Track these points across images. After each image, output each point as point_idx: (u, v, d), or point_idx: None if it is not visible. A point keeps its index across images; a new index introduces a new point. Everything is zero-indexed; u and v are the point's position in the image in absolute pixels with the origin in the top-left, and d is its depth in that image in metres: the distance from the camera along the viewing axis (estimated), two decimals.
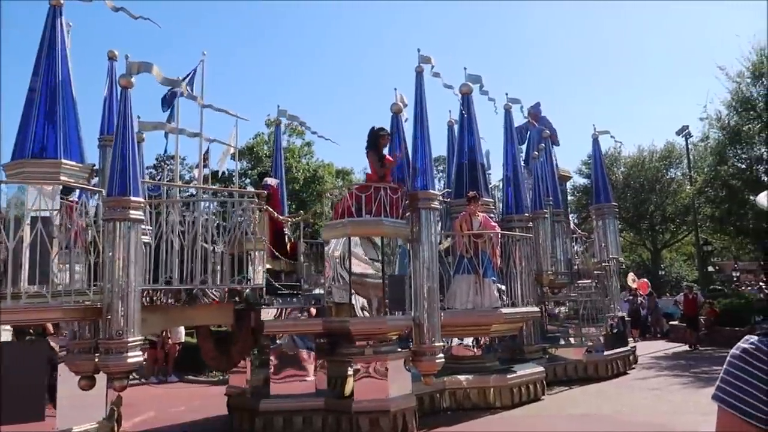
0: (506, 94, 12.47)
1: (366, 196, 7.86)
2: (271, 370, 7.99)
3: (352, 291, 7.71)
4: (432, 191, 8.39)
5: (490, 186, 11.75)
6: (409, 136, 11.47)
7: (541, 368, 10.41)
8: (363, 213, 7.81)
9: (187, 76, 13.56)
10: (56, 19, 7.60)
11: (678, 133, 26.27)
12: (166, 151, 20.37)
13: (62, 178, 7.13)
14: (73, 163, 7.28)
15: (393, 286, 7.83)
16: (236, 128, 15.92)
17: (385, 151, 8.61)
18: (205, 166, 18.63)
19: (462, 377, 9.53)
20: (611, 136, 15.40)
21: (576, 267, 14.06)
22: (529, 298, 10.56)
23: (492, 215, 10.72)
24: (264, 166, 20.32)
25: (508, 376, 9.60)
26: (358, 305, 7.78)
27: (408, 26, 70.17)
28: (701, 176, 20.61)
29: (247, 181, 25.53)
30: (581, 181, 32.17)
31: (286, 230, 10.25)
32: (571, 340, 12.92)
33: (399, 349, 7.96)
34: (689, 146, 25.26)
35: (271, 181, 10.32)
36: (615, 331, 13.44)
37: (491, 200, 10.95)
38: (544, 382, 10.31)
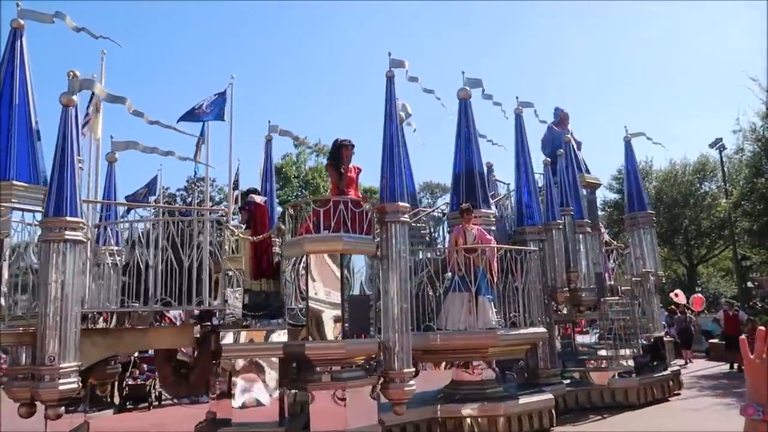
0: (516, 97, 11.71)
1: (324, 211, 7.38)
2: (233, 397, 7.59)
3: (315, 312, 7.23)
4: (401, 203, 7.80)
5: (496, 196, 11.04)
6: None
7: (550, 396, 9.47)
8: (321, 229, 7.33)
9: (216, 96, 13.76)
10: (16, 41, 7.64)
11: (711, 145, 25.00)
12: (196, 173, 20.74)
13: (13, 200, 7.11)
14: (26, 184, 7.23)
15: (354, 307, 7.29)
16: (264, 149, 15.89)
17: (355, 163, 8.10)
18: (235, 188, 18.87)
19: (457, 405, 8.79)
20: (647, 138, 14.15)
21: (609, 283, 13.00)
22: (537, 317, 9.74)
23: (492, 228, 9.97)
24: (292, 186, 20.23)
25: (505, 404, 8.75)
26: (325, 328, 7.30)
27: (428, 32, 68.78)
28: (737, 189, 19.54)
29: (276, 201, 25.65)
30: (611, 196, 31.90)
31: (276, 249, 9.91)
32: (603, 363, 11.82)
33: (364, 376, 7.35)
34: (724, 159, 24.04)
35: (258, 198, 10.01)
36: (652, 352, 12.21)
37: (492, 212, 10.18)
38: (553, 412, 9.36)
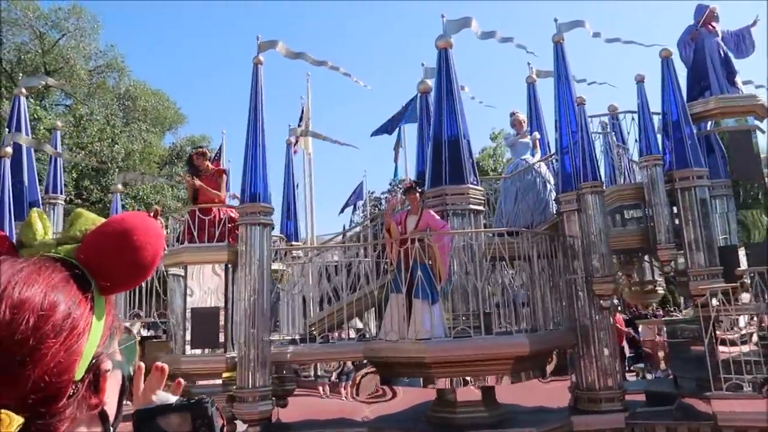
0: (555, 20, 9.23)
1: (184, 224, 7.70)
2: None
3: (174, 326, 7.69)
4: (260, 204, 7.42)
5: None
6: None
7: None
8: (175, 241, 7.68)
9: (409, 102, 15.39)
10: (18, 102, 9.99)
11: None
12: (396, 175, 22.25)
13: None
14: None
15: (200, 319, 7.41)
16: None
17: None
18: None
19: None
20: None
21: None
22: (526, 322, 7.90)
23: (479, 208, 8.40)
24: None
25: None
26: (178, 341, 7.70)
27: None
28: None
29: None
30: None
31: None
32: (746, 385, 8.43)
33: (219, 392, 7.40)
34: None
35: None
36: None
37: (478, 188, 8.52)
38: None
